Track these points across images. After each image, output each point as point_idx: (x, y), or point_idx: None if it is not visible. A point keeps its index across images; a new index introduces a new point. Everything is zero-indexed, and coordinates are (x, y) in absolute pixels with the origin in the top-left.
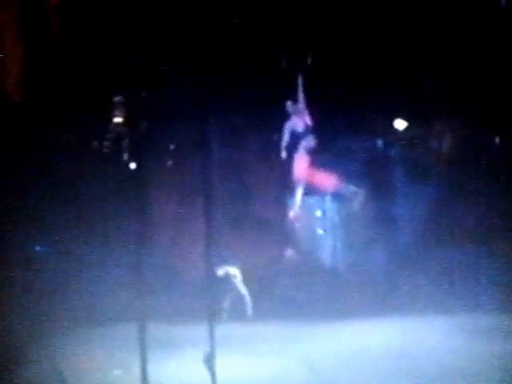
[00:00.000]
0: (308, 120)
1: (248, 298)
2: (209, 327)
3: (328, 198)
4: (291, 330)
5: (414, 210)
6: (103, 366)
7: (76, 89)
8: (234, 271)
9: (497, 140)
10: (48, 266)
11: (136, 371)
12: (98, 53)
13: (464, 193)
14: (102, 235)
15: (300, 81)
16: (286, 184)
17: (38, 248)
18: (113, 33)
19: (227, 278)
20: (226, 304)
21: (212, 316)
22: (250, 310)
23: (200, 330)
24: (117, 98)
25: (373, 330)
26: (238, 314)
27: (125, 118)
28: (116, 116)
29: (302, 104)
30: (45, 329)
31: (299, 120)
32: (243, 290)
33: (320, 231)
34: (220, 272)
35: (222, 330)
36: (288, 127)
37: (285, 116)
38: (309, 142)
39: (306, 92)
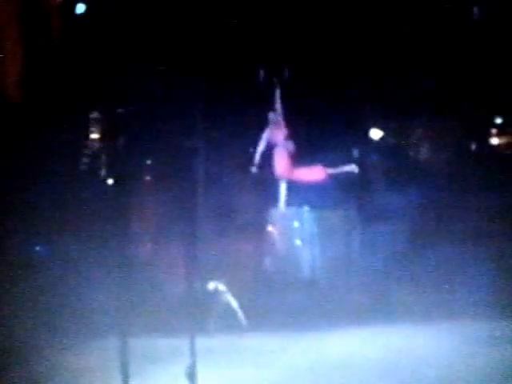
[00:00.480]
0: (285, 130)
1: (237, 310)
2: (190, 341)
3: (307, 208)
4: (275, 341)
5: (398, 218)
6: (84, 382)
7: (76, 89)
8: (218, 285)
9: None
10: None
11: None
12: (97, 53)
13: (448, 201)
14: (85, 247)
15: (278, 92)
16: (268, 194)
17: (38, 248)
18: (113, 33)
19: (212, 291)
20: (212, 317)
21: (194, 330)
22: (241, 322)
23: (182, 344)
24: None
25: (358, 340)
26: (223, 326)
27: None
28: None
29: (279, 115)
30: (24, 341)
31: (277, 130)
32: (230, 302)
33: (298, 242)
34: (204, 285)
35: (204, 343)
36: (265, 137)
37: (264, 128)
38: (287, 148)
39: (283, 103)
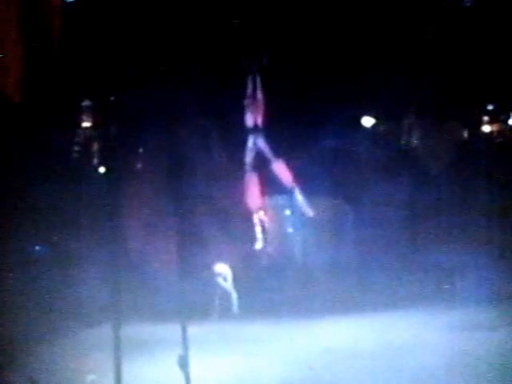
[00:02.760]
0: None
1: (233, 297)
2: (183, 329)
3: (295, 197)
4: (267, 328)
5: (385, 206)
6: (78, 371)
7: (76, 89)
8: (211, 271)
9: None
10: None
11: (110, 374)
12: (97, 53)
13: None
14: (76, 237)
15: (258, 80)
16: (257, 184)
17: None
18: (112, 33)
19: (208, 277)
20: (203, 304)
21: (186, 317)
22: (236, 309)
23: (174, 332)
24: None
25: (347, 327)
26: (216, 313)
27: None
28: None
29: (259, 102)
30: (16, 334)
31: (255, 114)
32: (226, 289)
33: (290, 229)
34: (198, 274)
35: (196, 330)
36: (247, 125)
37: (244, 115)
38: (260, 141)
39: (264, 90)
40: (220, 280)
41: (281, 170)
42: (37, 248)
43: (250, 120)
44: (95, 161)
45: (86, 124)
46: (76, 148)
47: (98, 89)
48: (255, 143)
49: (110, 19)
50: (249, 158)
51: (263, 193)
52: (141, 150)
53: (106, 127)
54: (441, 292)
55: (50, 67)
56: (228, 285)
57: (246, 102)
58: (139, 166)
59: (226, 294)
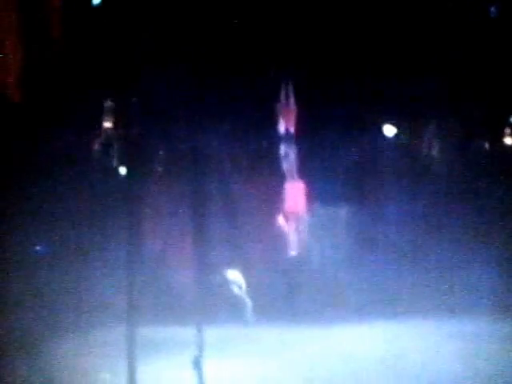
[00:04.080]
0: (295, 125)
1: (245, 302)
2: (198, 330)
3: (314, 204)
4: (282, 333)
5: (400, 215)
6: (91, 369)
7: (76, 89)
8: (228, 274)
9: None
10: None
11: (124, 374)
12: (97, 53)
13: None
14: (93, 238)
15: (290, 87)
16: (278, 187)
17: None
18: (112, 33)
19: (221, 281)
20: (220, 307)
21: (201, 320)
22: (246, 314)
23: (189, 334)
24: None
25: (360, 334)
26: (231, 317)
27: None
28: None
29: (292, 108)
30: (34, 331)
31: (288, 124)
32: (238, 293)
33: (306, 237)
34: (213, 276)
35: (211, 333)
36: (278, 133)
37: (275, 122)
38: (295, 148)
39: (295, 97)
40: (234, 285)
41: (308, 176)
42: (38, 248)
43: (280, 126)
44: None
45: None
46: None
47: (98, 89)
48: (284, 149)
49: (111, 19)
50: (277, 163)
51: (292, 200)
52: (149, 150)
53: (108, 127)
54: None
55: (50, 67)
56: (242, 290)
57: (277, 107)
58: (150, 166)
59: (239, 299)
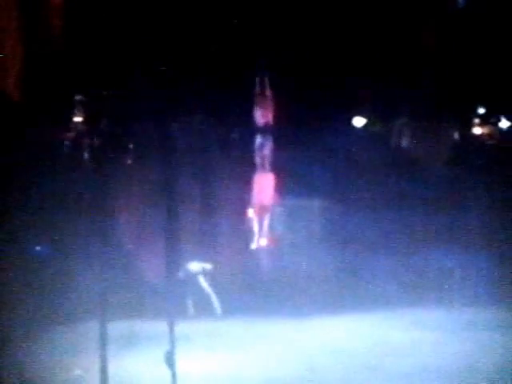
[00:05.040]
0: (272, 114)
1: (214, 296)
2: (170, 325)
3: (289, 198)
4: (254, 327)
5: (381, 209)
6: (63, 366)
7: (76, 89)
8: (198, 268)
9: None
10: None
11: (96, 370)
12: (98, 53)
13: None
14: (63, 234)
15: (265, 80)
16: (248, 180)
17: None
18: (113, 33)
19: (192, 275)
20: (191, 301)
21: (173, 313)
22: (216, 308)
23: (161, 328)
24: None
25: (336, 328)
26: (202, 311)
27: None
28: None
29: (266, 101)
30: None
31: (265, 113)
32: (208, 287)
33: (286, 231)
34: (184, 269)
35: (184, 327)
36: (253, 121)
37: (245, 114)
38: (267, 140)
39: (270, 90)
40: (200, 278)
41: (283, 170)
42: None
43: (255, 118)
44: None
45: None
46: (76, 148)
47: (99, 89)
48: (259, 142)
49: (110, 19)
50: (250, 156)
51: (263, 193)
52: (142, 149)
53: (107, 126)
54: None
55: (49, 67)
56: (208, 283)
57: (253, 100)
58: (139, 164)
59: (206, 293)
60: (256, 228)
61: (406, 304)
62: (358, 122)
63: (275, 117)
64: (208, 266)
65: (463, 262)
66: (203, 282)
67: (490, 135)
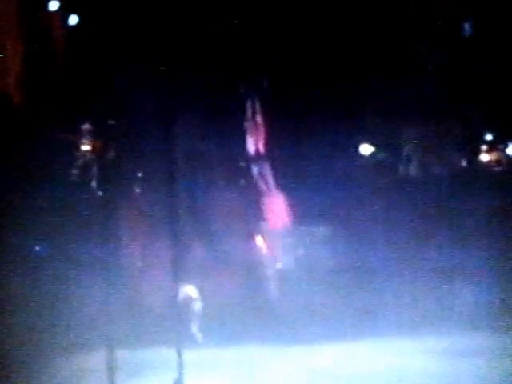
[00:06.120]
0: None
1: (221, 321)
2: (177, 352)
3: (293, 221)
4: (265, 353)
5: (379, 231)
6: None
7: (76, 89)
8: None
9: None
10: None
11: None
12: (98, 53)
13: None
14: (68, 260)
15: (258, 104)
16: (252, 210)
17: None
18: (113, 34)
19: (194, 303)
20: (193, 328)
21: (180, 341)
22: (224, 334)
23: (168, 356)
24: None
25: (343, 354)
26: (205, 338)
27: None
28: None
29: (260, 126)
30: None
31: (256, 140)
32: (214, 312)
33: (283, 253)
34: (186, 297)
35: (192, 354)
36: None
37: (250, 138)
38: (266, 165)
39: (263, 114)
40: (193, 304)
41: (280, 195)
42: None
43: (249, 145)
44: (95, 163)
45: (88, 123)
46: (76, 149)
47: (99, 89)
48: (255, 168)
49: (110, 20)
50: (246, 180)
51: (270, 218)
52: (141, 155)
53: (107, 129)
54: None
55: (50, 68)
56: (198, 309)
57: (245, 126)
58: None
59: (197, 318)
60: (262, 253)
61: (424, 331)
62: (365, 149)
63: (281, 144)
64: (190, 292)
65: (484, 290)
66: (206, 308)
67: (497, 161)
